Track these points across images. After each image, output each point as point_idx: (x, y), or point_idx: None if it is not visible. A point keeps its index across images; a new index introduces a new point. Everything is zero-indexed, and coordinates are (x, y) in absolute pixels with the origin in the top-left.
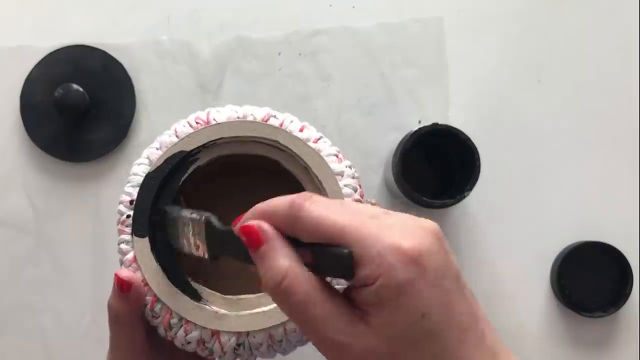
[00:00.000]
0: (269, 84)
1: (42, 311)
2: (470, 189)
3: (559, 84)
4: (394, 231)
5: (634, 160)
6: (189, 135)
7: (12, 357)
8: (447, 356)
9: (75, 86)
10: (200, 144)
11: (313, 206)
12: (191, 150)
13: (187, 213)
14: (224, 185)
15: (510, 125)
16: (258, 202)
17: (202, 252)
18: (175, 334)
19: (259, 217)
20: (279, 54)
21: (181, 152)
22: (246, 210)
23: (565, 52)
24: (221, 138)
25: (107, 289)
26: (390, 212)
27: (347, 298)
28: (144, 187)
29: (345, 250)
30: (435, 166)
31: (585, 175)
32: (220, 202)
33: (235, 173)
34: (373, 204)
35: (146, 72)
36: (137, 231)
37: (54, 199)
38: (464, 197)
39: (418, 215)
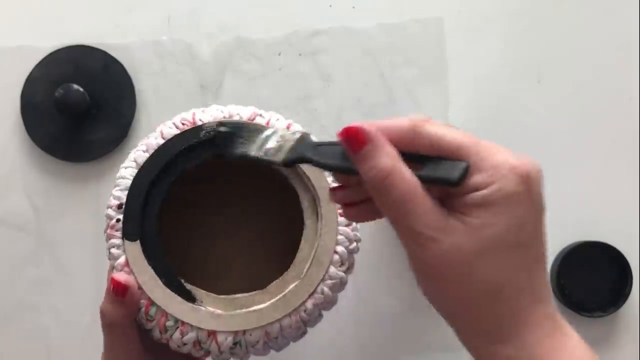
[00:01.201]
0: (269, 84)
1: (43, 311)
2: None
3: (559, 84)
4: (507, 152)
5: (634, 160)
6: (174, 137)
7: (12, 356)
8: (527, 269)
9: (75, 86)
10: (186, 145)
11: (434, 127)
12: (178, 152)
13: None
14: (217, 184)
15: (510, 125)
16: (252, 202)
17: (276, 156)
18: (171, 336)
19: (378, 129)
20: (279, 54)
21: (167, 154)
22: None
23: (565, 52)
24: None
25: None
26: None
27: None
28: (132, 190)
29: (463, 162)
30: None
31: (585, 175)
32: (212, 202)
33: (230, 172)
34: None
35: (146, 72)
36: (128, 235)
37: (55, 199)
38: None
39: None
